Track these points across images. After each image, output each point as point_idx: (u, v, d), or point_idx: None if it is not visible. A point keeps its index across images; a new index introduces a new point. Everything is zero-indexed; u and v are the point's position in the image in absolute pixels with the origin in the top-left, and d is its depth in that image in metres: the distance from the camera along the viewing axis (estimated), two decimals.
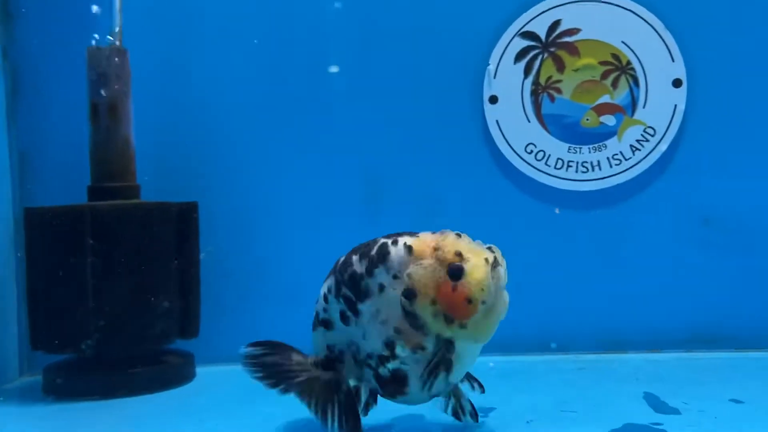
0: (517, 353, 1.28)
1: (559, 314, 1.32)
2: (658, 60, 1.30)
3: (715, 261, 1.30)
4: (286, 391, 0.87)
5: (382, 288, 0.81)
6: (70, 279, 1.09)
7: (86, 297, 1.09)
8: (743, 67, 1.29)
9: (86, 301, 1.09)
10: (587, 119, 1.33)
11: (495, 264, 0.79)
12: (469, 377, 0.91)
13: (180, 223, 1.19)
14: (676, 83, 1.30)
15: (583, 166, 1.32)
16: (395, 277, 0.80)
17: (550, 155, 1.33)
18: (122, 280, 1.11)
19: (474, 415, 0.90)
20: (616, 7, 1.30)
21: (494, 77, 1.33)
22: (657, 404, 0.97)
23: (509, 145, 1.33)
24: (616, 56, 1.31)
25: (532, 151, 1.33)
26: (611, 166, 1.32)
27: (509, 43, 1.32)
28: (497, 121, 1.33)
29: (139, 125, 1.24)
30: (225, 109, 1.33)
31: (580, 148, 1.32)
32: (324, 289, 0.88)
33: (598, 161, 1.32)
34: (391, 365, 0.82)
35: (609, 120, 1.32)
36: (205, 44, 1.32)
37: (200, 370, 1.26)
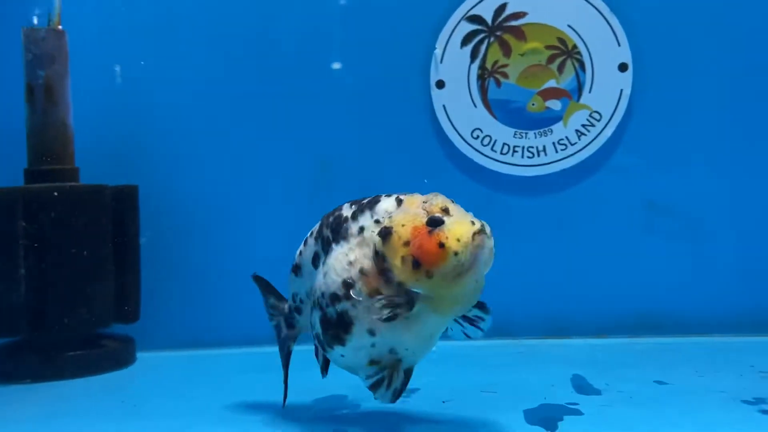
0: (462, 338, 1.28)
1: (503, 299, 1.29)
2: (604, 44, 1.29)
3: (660, 247, 1.30)
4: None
5: (361, 230, 0.79)
6: (3, 262, 1.09)
7: (18, 280, 1.08)
8: (689, 51, 1.28)
9: (19, 284, 1.08)
10: (533, 104, 1.32)
11: (480, 231, 0.75)
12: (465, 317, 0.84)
13: (117, 207, 1.18)
14: (622, 67, 1.30)
15: (529, 151, 1.32)
16: (377, 221, 0.78)
17: (496, 140, 1.32)
18: (55, 264, 1.10)
19: (396, 395, 0.83)
20: None
21: (441, 62, 1.32)
22: (581, 386, 0.97)
23: (456, 130, 1.33)
24: (562, 40, 1.30)
25: (478, 136, 1.32)
26: (557, 151, 1.31)
27: (456, 27, 1.32)
28: (444, 106, 1.33)
29: (80, 108, 1.23)
30: (169, 92, 1.32)
31: (526, 133, 1.32)
32: (307, 234, 0.88)
33: (544, 146, 1.31)
34: (341, 306, 0.78)
35: (555, 105, 1.32)
36: (148, 26, 1.31)
37: (141, 356, 1.25)
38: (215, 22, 1.32)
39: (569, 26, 1.30)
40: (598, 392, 0.93)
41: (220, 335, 1.32)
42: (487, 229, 0.76)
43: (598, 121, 1.31)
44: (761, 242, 1.29)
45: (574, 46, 1.30)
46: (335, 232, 0.82)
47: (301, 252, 0.88)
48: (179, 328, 1.32)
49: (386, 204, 0.79)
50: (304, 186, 1.34)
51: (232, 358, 1.26)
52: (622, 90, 1.30)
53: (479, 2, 1.31)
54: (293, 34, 1.32)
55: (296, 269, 0.89)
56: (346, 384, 0.92)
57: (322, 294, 0.81)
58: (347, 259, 0.79)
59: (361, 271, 0.78)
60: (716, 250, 1.30)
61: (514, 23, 1.31)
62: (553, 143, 1.31)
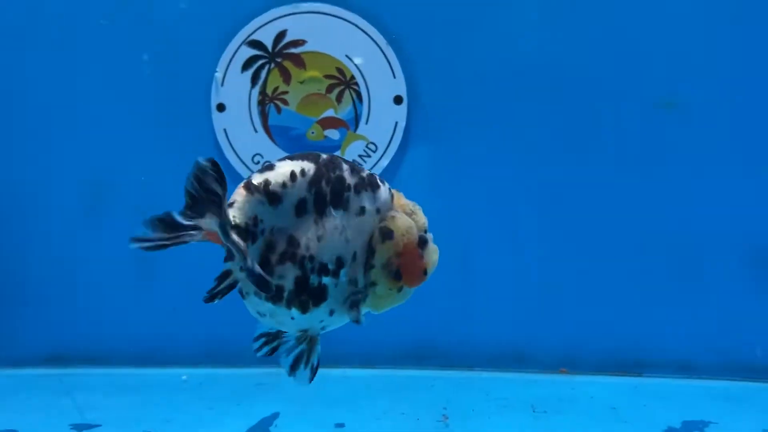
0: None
1: None
2: (381, 76, 1.29)
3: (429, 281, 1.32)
4: None
5: (362, 211, 0.79)
6: None
7: None
8: (459, 85, 1.29)
9: None
10: (312, 132, 1.32)
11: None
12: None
13: None
14: (397, 100, 1.30)
15: None
16: (378, 211, 0.79)
17: None
18: None
19: (313, 372, 0.83)
20: (341, 20, 1.29)
21: (222, 85, 1.31)
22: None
23: (237, 154, 1.33)
24: (340, 70, 1.30)
25: (258, 162, 1.32)
26: None
27: (236, 51, 1.31)
28: (225, 130, 1.32)
29: None
30: None
31: None
32: (294, 168, 0.78)
33: None
34: (326, 280, 0.78)
35: (333, 134, 1.32)
36: None
37: None
38: None
39: (347, 56, 1.30)
40: None
41: None
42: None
43: (374, 152, 1.31)
44: (531, 272, 1.31)
45: (352, 77, 1.30)
46: (335, 194, 0.78)
47: (284, 184, 0.77)
48: None
49: (384, 191, 0.81)
50: (77, 209, 1.33)
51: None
52: (397, 122, 1.30)
53: (260, 27, 1.30)
54: (70, 54, 1.31)
55: (272, 198, 0.77)
56: None
57: (311, 257, 0.78)
58: (345, 235, 0.79)
59: (353, 256, 0.78)
60: (487, 277, 1.32)
61: (293, 50, 1.30)
62: None
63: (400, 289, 0.80)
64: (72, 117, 1.32)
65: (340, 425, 1.02)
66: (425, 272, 0.81)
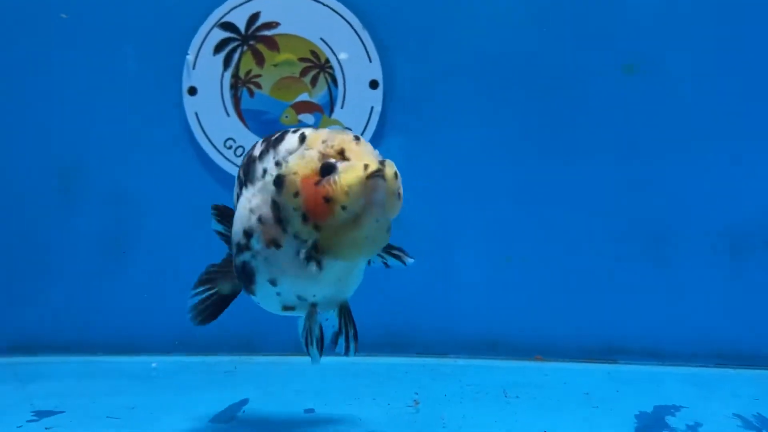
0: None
1: None
2: (356, 60, 1.28)
3: (400, 269, 1.31)
4: None
5: (264, 173, 0.75)
6: None
7: None
8: (435, 70, 1.28)
9: None
10: (286, 116, 1.30)
11: (376, 173, 0.71)
12: (387, 251, 0.82)
13: None
14: (373, 84, 1.28)
15: None
16: (277, 163, 0.74)
17: None
18: None
19: (351, 343, 0.81)
20: (315, 2, 1.27)
21: (193, 68, 1.29)
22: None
23: (208, 139, 1.30)
24: (315, 53, 1.28)
25: (231, 146, 1.30)
26: None
27: (208, 33, 1.28)
28: (196, 114, 1.29)
29: None
30: None
31: None
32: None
33: None
34: (243, 256, 0.76)
35: (308, 119, 1.30)
36: None
37: None
38: None
39: (322, 39, 1.28)
40: None
41: None
42: (388, 169, 0.72)
43: None
44: (505, 260, 1.31)
45: (327, 60, 1.28)
46: (246, 173, 0.78)
47: (236, 194, 0.82)
48: None
49: (289, 142, 0.75)
50: (48, 196, 1.30)
51: None
52: (372, 107, 1.29)
53: (233, 9, 1.27)
54: (43, 40, 1.28)
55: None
56: None
57: (232, 243, 0.79)
58: (249, 205, 0.76)
59: (259, 220, 0.74)
60: (462, 266, 1.31)
61: (267, 33, 1.28)
62: None
63: (318, 229, 0.72)
64: (44, 101, 1.29)
65: (310, 410, 1.01)
66: (327, 199, 0.70)
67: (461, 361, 1.27)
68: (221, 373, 1.18)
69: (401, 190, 0.73)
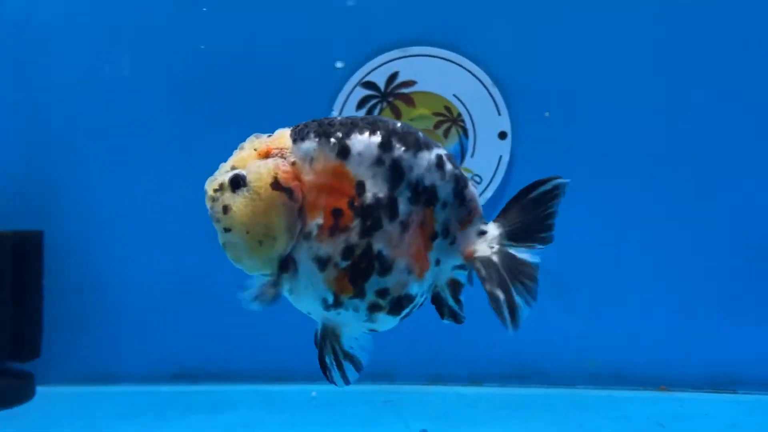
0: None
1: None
2: (486, 113, 1.40)
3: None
4: None
5: None
6: None
7: None
8: (563, 122, 1.39)
9: None
10: None
11: (218, 189, 0.72)
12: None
13: (17, 251, 1.26)
14: (502, 135, 1.40)
15: None
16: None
17: None
18: None
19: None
20: (448, 62, 1.40)
21: None
22: None
23: None
24: (448, 108, 1.41)
25: None
26: None
27: (351, 91, 1.42)
28: None
29: None
30: (69, 136, 1.40)
31: None
32: None
33: None
34: None
35: None
36: (50, 72, 1.40)
37: (41, 390, 1.33)
38: (115, 65, 1.41)
39: (454, 95, 1.41)
40: None
41: (119, 372, 1.41)
42: (206, 185, 0.73)
43: (479, 183, 1.41)
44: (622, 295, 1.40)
45: (459, 114, 1.41)
46: None
47: None
48: (80, 362, 1.40)
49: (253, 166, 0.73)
50: (201, 224, 1.41)
51: (131, 396, 1.34)
52: (501, 156, 1.41)
53: (373, 70, 1.41)
54: (195, 92, 1.41)
55: None
56: None
57: None
58: None
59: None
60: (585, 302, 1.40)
61: (404, 90, 1.41)
62: None
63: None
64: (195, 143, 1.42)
65: None
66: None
67: (592, 392, 1.35)
68: (380, 403, 1.26)
69: (214, 207, 0.73)
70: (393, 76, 1.41)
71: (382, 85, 1.41)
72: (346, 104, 1.41)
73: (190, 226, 1.39)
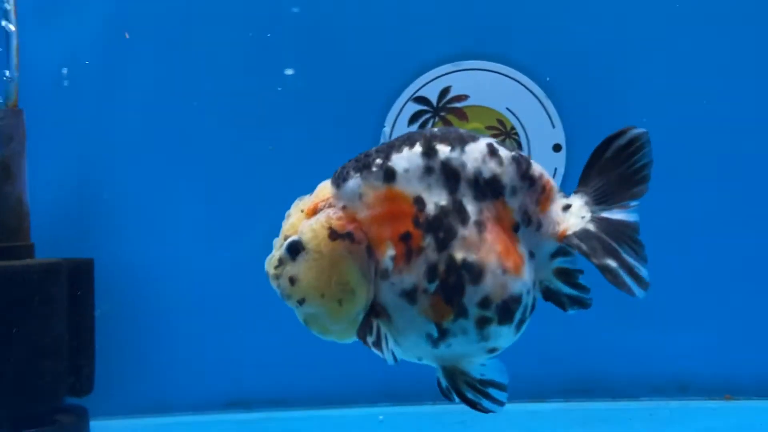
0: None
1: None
2: (540, 126, 1.39)
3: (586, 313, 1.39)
4: None
5: None
6: None
7: None
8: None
9: None
10: None
11: (279, 264, 0.70)
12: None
13: (72, 281, 1.20)
14: (556, 148, 1.40)
15: None
16: None
17: None
18: (10, 342, 1.12)
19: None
20: (501, 76, 1.39)
21: (389, 139, 1.39)
22: None
23: None
24: (501, 122, 1.40)
25: None
26: None
27: (403, 106, 1.39)
28: None
29: (34, 182, 1.26)
30: (120, 164, 1.36)
31: None
32: None
33: None
34: None
35: None
36: (102, 103, 1.36)
37: (94, 424, 1.27)
38: (163, 95, 1.37)
39: (507, 109, 1.40)
40: None
41: (173, 401, 1.35)
42: (271, 261, 0.71)
43: None
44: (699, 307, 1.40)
45: (512, 128, 1.40)
46: None
47: None
48: (131, 396, 1.35)
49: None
50: (254, 257, 1.38)
51: (184, 426, 1.29)
52: (556, 168, 1.40)
53: (425, 84, 1.39)
54: (243, 115, 1.38)
55: None
56: None
57: None
58: None
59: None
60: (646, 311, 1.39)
61: (457, 105, 1.40)
62: None
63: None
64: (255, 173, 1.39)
65: None
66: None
67: (657, 404, 1.34)
68: (452, 423, 1.24)
69: (280, 284, 0.71)
70: (445, 91, 1.39)
71: (434, 100, 1.39)
72: (398, 120, 1.39)
73: (243, 251, 1.37)
